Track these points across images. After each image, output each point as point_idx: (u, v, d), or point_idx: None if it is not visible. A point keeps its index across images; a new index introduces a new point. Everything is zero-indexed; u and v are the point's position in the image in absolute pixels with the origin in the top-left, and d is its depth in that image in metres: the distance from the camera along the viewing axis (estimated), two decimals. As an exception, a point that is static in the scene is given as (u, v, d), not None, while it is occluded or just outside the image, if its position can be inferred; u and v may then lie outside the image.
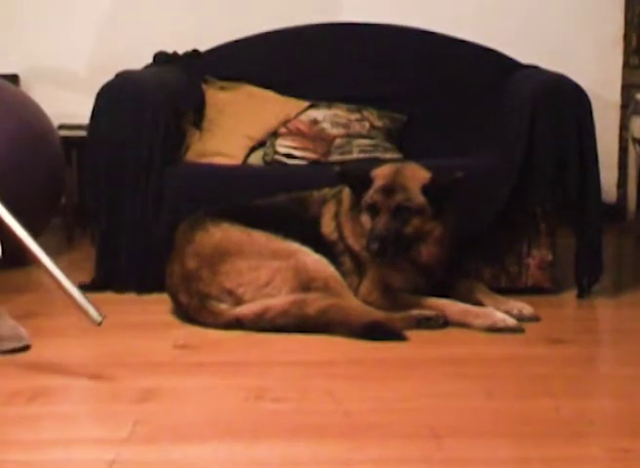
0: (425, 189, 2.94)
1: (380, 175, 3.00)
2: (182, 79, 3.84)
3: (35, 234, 3.87)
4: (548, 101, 3.24)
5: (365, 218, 2.99)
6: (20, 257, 3.79)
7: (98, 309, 2.43)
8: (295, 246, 2.97)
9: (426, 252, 2.98)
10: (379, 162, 3.20)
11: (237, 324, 2.87)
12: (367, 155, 3.56)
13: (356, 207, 3.02)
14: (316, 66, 3.97)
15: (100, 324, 2.43)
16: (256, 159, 3.66)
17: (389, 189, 2.95)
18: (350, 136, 3.67)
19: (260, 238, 2.99)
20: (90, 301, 2.44)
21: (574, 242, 3.30)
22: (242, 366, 2.60)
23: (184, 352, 2.73)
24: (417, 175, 2.98)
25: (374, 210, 2.96)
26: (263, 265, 2.94)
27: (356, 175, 3.03)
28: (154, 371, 2.54)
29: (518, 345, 2.77)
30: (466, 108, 3.81)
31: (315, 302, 2.85)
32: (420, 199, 2.94)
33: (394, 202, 2.93)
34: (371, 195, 2.97)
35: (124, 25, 4.57)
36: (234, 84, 3.90)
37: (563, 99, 3.24)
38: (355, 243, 3.03)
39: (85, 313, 2.43)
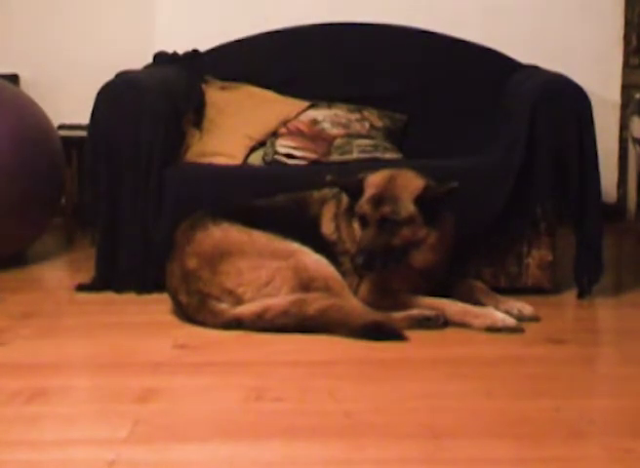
0: (418, 200, 2.91)
1: (372, 183, 2.97)
2: (182, 79, 3.83)
3: (35, 234, 3.93)
4: (548, 101, 3.23)
5: (356, 226, 2.98)
6: (19, 257, 3.82)
7: None
8: (295, 246, 2.97)
9: (421, 257, 2.97)
10: (375, 165, 3.17)
11: (237, 324, 2.87)
12: (367, 155, 3.55)
13: (351, 210, 3.01)
14: (316, 66, 3.97)
15: None
16: (256, 159, 3.66)
17: (379, 199, 2.92)
18: (350, 136, 3.66)
19: (260, 238, 2.98)
20: None
21: (574, 242, 3.30)
22: (242, 366, 2.59)
23: (184, 352, 2.72)
24: (409, 185, 2.94)
25: (364, 220, 2.95)
26: (263, 265, 2.93)
27: (347, 185, 3.02)
28: (154, 371, 2.54)
29: (518, 345, 2.77)
30: (466, 108, 3.82)
31: (315, 302, 2.85)
32: (409, 210, 2.91)
33: (381, 214, 2.91)
34: (361, 205, 2.95)
35: (124, 25, 4.57)
36: (234, 84, 3.90)
37: (563, 99, 3.24)
38: (352, 246, 3.01)
39: None
